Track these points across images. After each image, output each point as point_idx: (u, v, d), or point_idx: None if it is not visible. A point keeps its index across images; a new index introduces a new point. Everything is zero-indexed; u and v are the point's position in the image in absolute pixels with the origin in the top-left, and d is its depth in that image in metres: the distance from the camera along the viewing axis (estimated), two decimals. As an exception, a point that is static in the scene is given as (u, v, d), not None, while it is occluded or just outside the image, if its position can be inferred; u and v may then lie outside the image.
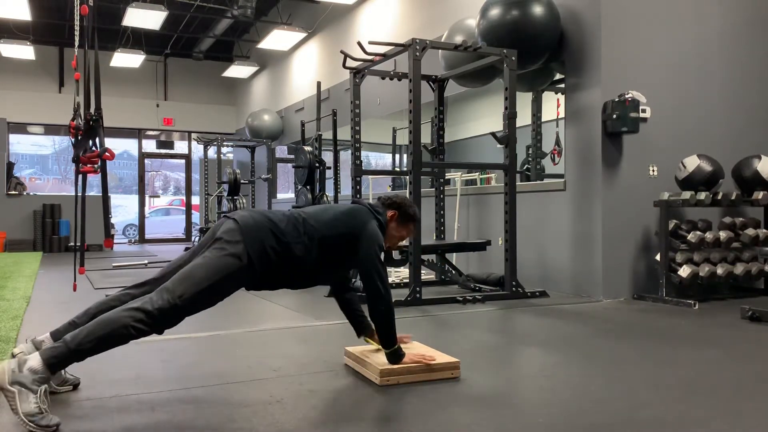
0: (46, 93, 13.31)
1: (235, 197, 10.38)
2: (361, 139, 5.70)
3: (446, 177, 6.75)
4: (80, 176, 3.23)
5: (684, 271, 4.75)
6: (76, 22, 3.49)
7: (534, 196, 5.72)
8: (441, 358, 2.73)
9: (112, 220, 12.76)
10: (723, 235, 4.92)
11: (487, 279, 5.47)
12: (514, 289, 5.05)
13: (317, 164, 7.62)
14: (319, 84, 8.48)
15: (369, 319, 2.71)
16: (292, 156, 10.05)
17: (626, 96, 4.91)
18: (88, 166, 3.16)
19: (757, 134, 5.67)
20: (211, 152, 12.56)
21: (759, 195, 5.09)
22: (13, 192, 11.45)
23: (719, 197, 4.98)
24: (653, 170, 5.25)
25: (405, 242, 4.30)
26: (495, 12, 5.24)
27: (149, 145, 15.14)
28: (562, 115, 6.21)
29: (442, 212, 6.16)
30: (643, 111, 5.09)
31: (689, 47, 5.41)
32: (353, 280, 3.78)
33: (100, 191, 3.41)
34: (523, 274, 5.34)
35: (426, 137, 6.25)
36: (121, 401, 2.34)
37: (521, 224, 5.32)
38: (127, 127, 14.08)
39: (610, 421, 2.13)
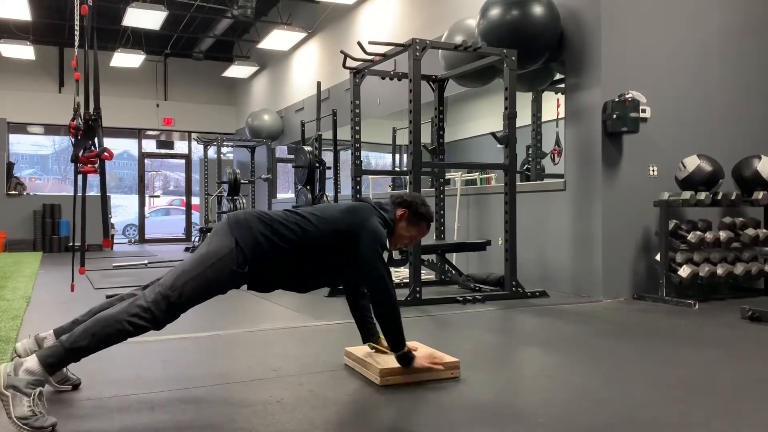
0: (46, 93, 13.31)
1: (235, 197, 10.38)
2: (361, 139, 5.70)
3: (446, 177, 6.75)
4: (80, 176, 3.22)
5: (684, 271, 4.75)
6: (76, 22, 3.49)
7: (534, 196, 5.72)
8: (441, 358, 2.73)
9: (112, 220, 12.76)
10: (723, 235, 4.92)
11: (487, 279, 5.47)
12: (514, 289, 5.05)
13: (317, 164, 7.62)
14: (319, 84, 8.49)
15: (377, 325, 2.67)
16: (292, 156, 10.05)
17: (626, 96, 4.91)
18: (88, 166, 3.16)
19: (757, 134, 5.67)
20: (211, 152, 12.56)
21: (759, 195, 5.09)
22: (13, 192, 11.45)
23: (719, 197, 4.98)
24: (653, 170, 5.25)
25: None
26: (495, 12, 5.24)
27: (149, 145, 15.15)
28: (562, 115, 6.21)
29: (442, 212, 6.15)
30: (643, 111, 5.09)
31: (689, 47, 5.41)
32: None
33: (99, 191, 3.41)
34: (523, 274, 5.34)
35: (426, 137, 6.25)
36: (121, 401, 2.34)
37: (521, 224, 5.32)
38: (127, 127, 14.08)
39: (610, 421, 2.13)
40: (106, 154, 3.16)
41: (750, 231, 5.03)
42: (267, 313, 4.30)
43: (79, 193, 3.19)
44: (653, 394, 2.43)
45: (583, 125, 5.25)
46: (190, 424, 2.09)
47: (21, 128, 14.07)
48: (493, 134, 5.21)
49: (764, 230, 5.13)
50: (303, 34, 10.93)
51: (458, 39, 5.56)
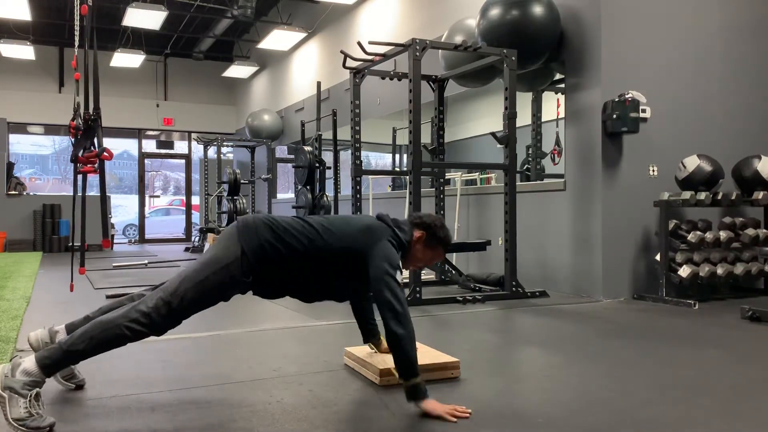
0: (46, 93, 13.31)
1: (235, 197, 10.38)
2: (361, 139, 5.70)
3: (446, 177, 6.75)
4: (79, 176, 3.22)
5: (684, 271, 4.75)
6: (76, 22, 3.49)
7: (534, 196, 5.72)
8: (441, 358, 2.73)
9: (112, 220, 12.76)
10: (723, 235, 4.92)
11: (487, 279, 5.47)
12: (514, 289, 5.05)
13: (317, 164, 7.62)
14: (319, 84, 8.49)
15: (377, 326, 2.64)
16: (292, 156, 10.05)
17: (626, 96, 4.91)
18: (88, 165, 3.16)
19: (757, 134, 5.67)
20: (211, 152, 12.56)
21: (759, 195, 5.09)
22: (13, 192, 11.45)
23: (719, 197, 4.98)
24: (653, 170, 5.25)
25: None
26: (495, 12, 5.23)
27: (149, 145, 15.14)
28: (562, 115, 6.21)
29: (442, 212, 6.15)
30: (643, 111, 5.09)
31: (689, 47, 5.41)
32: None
33: (99, 191, 3.41)
34: (523, 274, 5.34)
35: (426, 137, 6.25)
36: (121, 401, 2.34)
37: (521, 224, 5.32)
38: (127, 127, 14.08)
39: (610, 421, 2.13)
40: (105, 154, 3.15)
41: (750, 231, 5.03)
42: (267, 313, 4.30)
43: (79, 194, 3.19)
44: (653, 394, 2.43)
45: (583, 125, 5.25)
46: (190, 424, 2.09)
47: (21, 128, 14.07)
48: (493, 134, 5.21)
49: (764, 230, 5.13)
50: (303, 34, 10.93)
51: (458, 39, 5.56)
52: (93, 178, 3.40)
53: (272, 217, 2.36)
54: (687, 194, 4.88)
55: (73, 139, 3.23)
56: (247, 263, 2.23)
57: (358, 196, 5.69)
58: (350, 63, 5.54)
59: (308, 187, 7.64)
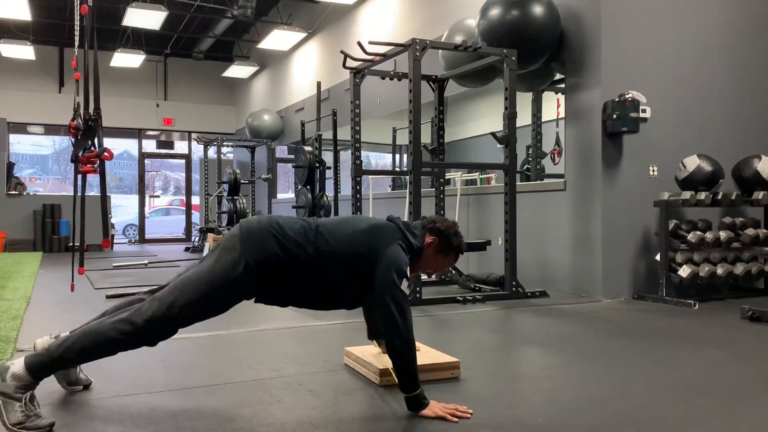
0: (46, 93, 13.31)
1: (235, 197, 10.38)
2: (361, 139, 5.70)
3: (446, 177, 6.75)
4: (79, 176, 3.22)
5: (684, 271, 4.75)
6: (76, 22, 3.49)
7: (534, 196, 5.72)
8: (441, 358, 2.73)
9: (112, 220, 12.76)
10: (723, 235, 4.92)
11: (487, 279, 5.47)
12: (514, 289, 5.05)
13: (317, 164, 7.62)
14: (319, 84, 8.49)
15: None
16: (292, 156, 10.06)
17: (626, 96, 4.91)
18: (88, 165, 3.16)
19: (757, 134, 5.67)
20: (211, 152, 12.57)
21: (759, 195, 5.09)
22: (13, 192, 11.45)
23: (719, 197, 4.98)
24: (653, 170, 5.25)
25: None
26: (495, 12, 5.24)
27: (149, 145, 15.15)
28: (562, 115, 6.21)
29: (442, 212, 6.15)
30: (643, 111, 5.09)
31: (689, 47, 5.41)
32: None
33: (99, 191, 3.41)
34: (523, 274, 5.34)
35: (426, 137, 6.25)
36: (121, 401, 2.34)
37: (521, 224, 5.32)
38: (127, 127, 14.08)
39: (610, 421, 2.13)
40: (106, 154, 3.15)
41: (750, 231, 5.03)
42: (267, 313, 4.30)
43: (79, 194, 3.19)
44: (653, 394, 2.43)
45: (583, 125, 5.25)
46: (190, 424, 2.09)
47: (21, 128, 14.08)
48: (493, 134, 5.21)
49: (764, 230, 5.13)
50: (303, 34, 10.93)
51: (458, 39, 5.56)
52: (93, 178, 3.40)
53: (278, 224, 2.23)
54: (687, 194, 4.88)
55: (73, 139, 3.23)
56: (251, 278, 2.16)
57: (358, 196, 5.69)
58: (350, 63, 5.54)
59: (308, 187, 7.64)
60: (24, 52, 11.93)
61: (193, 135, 13.54)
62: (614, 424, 2.10)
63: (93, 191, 11.40)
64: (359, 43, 5.08)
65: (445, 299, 4.85)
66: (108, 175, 3.44)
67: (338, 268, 2.23)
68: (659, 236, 4.96)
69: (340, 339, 3.49)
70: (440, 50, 5.87)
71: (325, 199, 7.73)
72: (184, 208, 15.53)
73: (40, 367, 2.04)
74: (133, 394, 2.42)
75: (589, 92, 5.18)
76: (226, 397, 2.40)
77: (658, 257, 4.94)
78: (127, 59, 12.44)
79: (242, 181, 10.60)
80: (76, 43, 3.54)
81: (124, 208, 17.92)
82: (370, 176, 8.45)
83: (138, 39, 12.21)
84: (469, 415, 2.14)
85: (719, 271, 4.83)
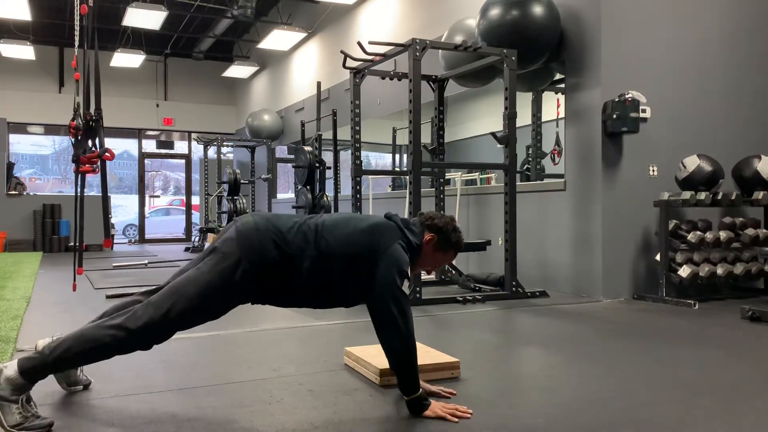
0: (46, 93, 13.31)
1: (235, 197, 10.38)
2: (361, 139, 5.70)
3: (446, 177, 6.75)
4: (79, 176, 3.22)
5: (684, 271, 4.75)
6: (76, 22, 3.49)
7: (534, 196, 5.72)
8: (441, 358, 2.73)
9: (112, 220, 12.76)
10: (723, 235, 4.92)
11: (487, 279, 5.47)
12: (514, 289, 5.05)
13: (317, 164, 7.62)
14: (319, 84, 8.49)
15: None
16: (292, 156, 10.06)
17: (626, 96, 4.91)
18: (87, 165, 3.16)
19: (757, 134, 5.67)
20: (211, 152, 12.56)
21: (759, 195, 5.09)
22: (13, 192, 11.45)
23: (719, 197, 4.98)
24: (653, 170, 5.25)
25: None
26: (495, 12, 5.24)
27: (149, 145, 15.15)
28: (562, 115, 6.21)
29: (442, 212, 6.14)
30: (643, 111, 5.09)
31: (689, 47, 5.41)
32: None
33: (100, 191, 3.41)
34: (523, 274, 5.34)
35: (426, 137, 6.25)
36: (120, 401, 2.34)
37: (521, 224, 5.32)
38: (127, 127, 14.08)
39: (610, 421, 2.13)
40: (107, 154, 3.16)
41: (750, 231, 5.03)
42: (267, 313, 4.31)
43: (78, 194, 3.19)
44: (653, 394, 2.43)
45: (583, 125, 5.25)
46: (190, 424, 2.09)
47: (21, 128, 14.08)
48: (493, 134, 5.21)
49: (764, 230, 5.13)
50: (303, 34, 10.93)
51: (458, 39, 5.56)
52: (93, 178, 3.40)
53: (277, 227, 2.18)
54: (687, 194, 4.88)
55: (73, 139, 3.23)
56: (250, 284, 2.13)
57: (358, 196, 5.70)
58: (350, 63, 5.54)
59: (308, 187, 7.64)
60: (24, 52, 11.93)
61: (193, 135, 13.54)
62: (614, 424, 2.10)
63: (93, 191, 11.41)
64: (359, 43, 5.08)
65: (445, 299, 4.86)
66: (108, 175, 3.44)
67: (338, 268, 2.19)
68: (659, 236, 4.96)
69: (340, 339, 3.49)
70: (440, 50, 5.87)
71: (325, 199, 7.73)
72: (184, 208, 15.53)
73: (33, 370, 2.02)
74: (133, 394, 2.42)
75: (589, 92, 5.18)
76: (226, 397, 2.39)
77: (658, 257, 4.94)
78: (127, 59, 12.45)
79: (242, 181, 10.60)
80: (76, 43, 3.54)
81: (124, 208, 17.92)
82: (370, 176, 8.45)
83: (138, 39, 12.21)
84: (469, 415, 2.14)
85: (719, 271, 4.83)
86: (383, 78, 5.94)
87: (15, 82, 13.05)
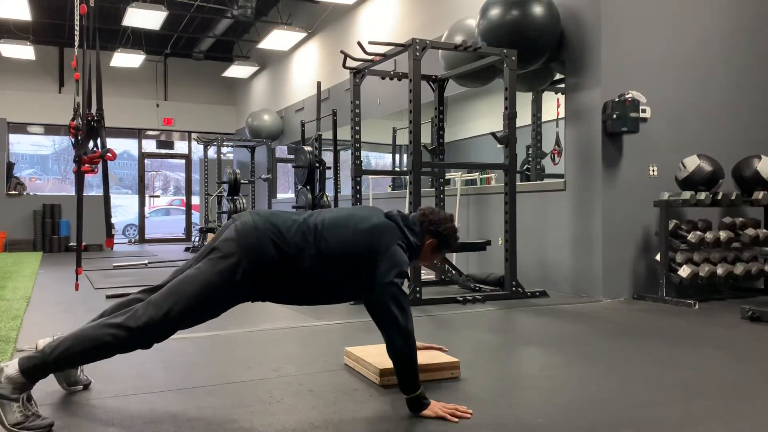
0: (46, 93, 13.31)
1: (235, 197, 10.38)
2: (361, 139, 5.70)
3: (446, 177, 6.75)
4: (77, 176, 3.22)
5: (684, 271, 4.75)
6: (76, 22, 3.49)
7: (534, 196, 5.72)
8: (441, 357, 2.73)
9: (112, 220, 12.75)
10: (723, 235, 4.92)
11: (487, 279, 5.47)
12: (514, 289, 5.05)
13: (317, 164, 7.62)
14: (319, 84, 8.49)
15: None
16: (292, 156, 10.06)
17: (626, 96, 4.92)
18: (86, 166, 3.16)
19: (757, 134, 5.67)
20: (211, 152, 12.56)
21: (759, 195, 5.09)
22: (13, 192, 11.45)
23: (719, 197, 4.98)
24: (653, 170, 5.25)
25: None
26: (495, 12, 5.24)
27: (149, 145, 15.15)
28: (562, 115, 6.21)
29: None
30: (643, 111, 5.09)
31: (689, 47, 5.41)
32: None
33: (100, 191, 3.41)
34: (523, 274, 5.34)
35: (426, 137, 6.25)
36: (121, 401, 2.34)
37: (521, 224, 5.32)
38: (127, 127, 14.08)
39: (610, 421, 2.13)
40: (109, 154, 3.16)
41: (750, 231, 5.03)
42: (267, 313, 4.31)
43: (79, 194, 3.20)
44: (653, 394, 2.43)
45: (583, 125, 5.25)
46: (190, 423, 2.09)
47: (21, 128, 14.08)
48: (493, 134, 5.21)
49: (764, 230, 5.13)
50: (303, 34, 10.93)
51: (458, 39, 5.56)
52: (92, 179, 3.41)
53: (276, 227, 2.18)
54: (687, 194, 4.88)
55: (73, 139, 3.23)
56: (249, 283, 2.14)
57: (358, 196, 5.70)
58: (350, 63, 5.54)
59: (308, 187, 7.64)
60: (24, 52, 11.93)
61: (193, 135, 13.54)
62: (614, 424, 2.10)
63: (93, 191, 11.41)
64: (359, 43, 5.08)
65: (445, 299, 4.85)
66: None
67: (338, 268, 2.21)
68: (659, 236, 4.96)
69: (340, 339, 3.49)
70: (440, 50, 5.87)
71: (325, 199, 7.73)
72: (184, 208, 15.53)
73: (34, 369, 2.02)
74: (133, 394, 2.42)
75: (589, 92, 5.18)
76: (226, 397, 2.40)
77: (658, 257, 4.94)
78: (127, 59, 12.44)
79: (242, 181, 10.60)
80: (76, 43, 3.54)
81: (124, 208, 17.92)
82: (370, 176, 8.45)
83: (138, 39, 12.21)
84: (469, 415, 2.14)
85: (719, 271, 4.83)
86: (383, 78, 5.94)
87: (15, 82, 13.05)
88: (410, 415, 2.16)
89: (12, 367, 2.00)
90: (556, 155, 6.77)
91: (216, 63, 14.26)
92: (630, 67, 5.16)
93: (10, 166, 11.82)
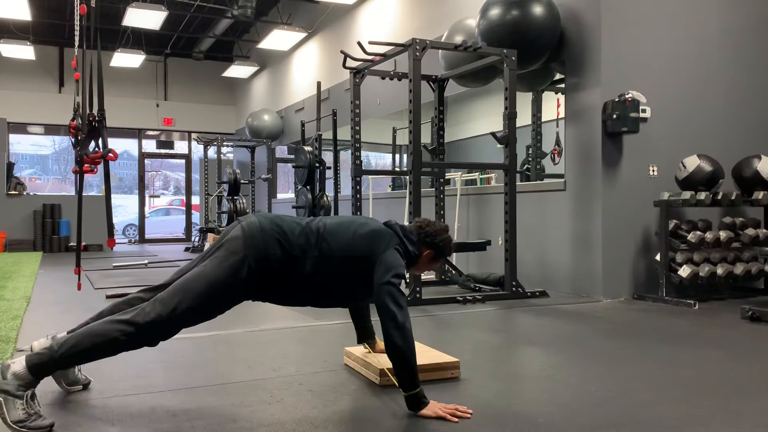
0: (46, 93, 13.31)
1: (235, 197, 10.39)
2: (361, 139, 5.70)
3: (446, 177, 6.75)
4: (78, 176, 3.23)
5: (684, 271, 4.75)
6: (76, 22, 3.50)
7: (534, 196, 5.72)
8: (441, 358, 2.73)
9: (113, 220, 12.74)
10: (723, 235, 4.92)
11: (487, 279, 5.47)
12: (514, 289, 5.05)
13: (317, 164, 7.62)
14: (319, 84, 8.48)
15: (372, 327, 2.66)
16: (292, 156, 10.06)
17: (626, 96, 4.92)
18: (86, 166, 3.16)
19: (757, 134, 5.67)
20: (211, 152, 12.57)
21: (759, 195, 5.09)
22: (13, 192, 11.45)
23: (719, 197, 4.98)
24: (653, 170, 5.25)
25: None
26: (495, 12, 5.24)
27: (149, 145, 15.15)
28: (562, 115, 6.21)
29: (442, 212, 6.15)
30: (643, 111, 5.10)
31: (689, 47, 5.41)
32: None
33: (99, 191, 3.42)
34: (523, 274, 5.34)
35: (426, 137, 6.25)
36: (121, 401, 2.34)
37: (521, 224, 5.33)
38: (127, 127, 14.08)
39: (610, 421, 2.13)
40: (111, 155, 3.16)
41: (750, 231, 5.03)
42: (267, 313, 4.31)
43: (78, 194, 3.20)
44: (653, 394, 2.44)
45: (583, 125, 5.25)
46: (190, 424, 2.09)
47: (21, 128, 14.08)
48: (493, 134, 5.22)
49: (764, 230, 5.13)
50: (303, 34, 10.93)
51: (458, 39, 5.56)
52: (92, 179, 3.41)
53: (281, 228, 2.25)
54: (687, 194, 4.88)
55: (73, 139, 3.23)
56: (254, 281, 2.20)
57: (358, 196, 5.70)
58: (350, 63, 5.54)
59: (308, 187, 7.64)
60: (24, 52, 11.93)
61: (193, 135, 13.54)
62: (614, 424, 2.10)
63: (93, 191, 11.40)
64: (359, 43, 5.08)
65: (445, 299, 4.86)
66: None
67: (338, 270, 2.28)
68: (659, 236, 4.96)
69: (340, 339, 3.49)
70: (440, 50, 5.87)
71: (325, 199, 7.73)
72: (184, 208, 15.54)
73: (41, 366, 2.04)
74: (133, 394, 2.42)
75: (589, 92, 5.18)
76: (226, 397, 2.40)
77: (658, 257, 4.94)
78: (127, 59, 12.45)
79: (242, 181, 10.60)
80: (76, 43, 3.54)
81: (124, 208, 17.92)
82: (370, 176, 8.45)
83: (138, 39, 12.21)
84: (469, 415, 2.14)
85: (719, 271, 4.83)
86: (383, 78, 5.94)
87: (15, 82, 13.05)
88: (410, 415, 2.16)
89: (19, 364, 2.02)
90: (556, 155, 6.77)
91: (216, 63, 14.27)
92: (630, 67, 5.16)
93: (10, 166, 11.82)
